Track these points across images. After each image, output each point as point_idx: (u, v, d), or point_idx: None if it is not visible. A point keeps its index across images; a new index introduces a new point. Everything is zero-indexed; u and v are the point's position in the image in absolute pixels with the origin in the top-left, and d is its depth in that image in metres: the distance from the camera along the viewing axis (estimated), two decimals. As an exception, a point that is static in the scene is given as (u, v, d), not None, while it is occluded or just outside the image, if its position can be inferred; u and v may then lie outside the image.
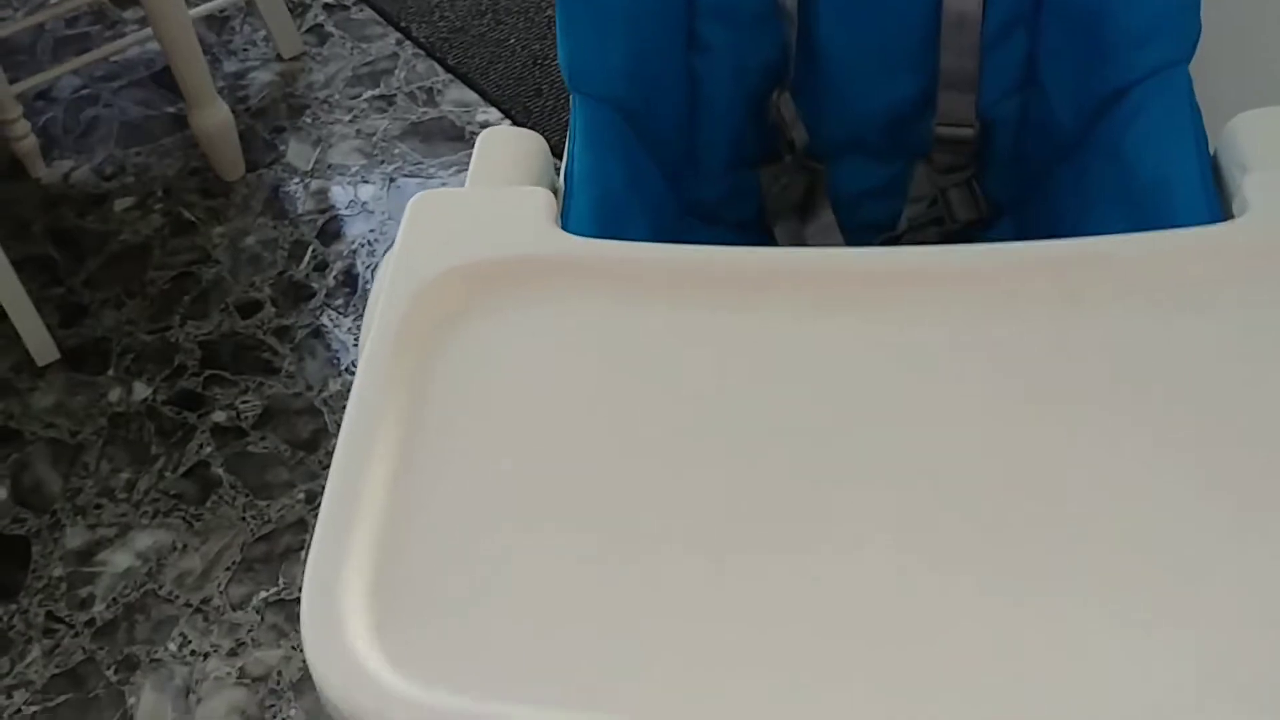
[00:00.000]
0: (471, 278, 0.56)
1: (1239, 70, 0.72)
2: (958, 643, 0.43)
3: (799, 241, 0.79)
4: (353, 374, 0.54)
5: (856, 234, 0.81)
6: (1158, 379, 0.50)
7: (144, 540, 1.32)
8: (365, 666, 0.42)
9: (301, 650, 1.21)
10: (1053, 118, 0.73)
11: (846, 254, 0.57)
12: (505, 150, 0.65)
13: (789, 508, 0.47)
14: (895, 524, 0.46)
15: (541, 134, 0.65)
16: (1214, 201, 0.60)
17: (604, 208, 0.64)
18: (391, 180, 1.69)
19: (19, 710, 1.19)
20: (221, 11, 1.93)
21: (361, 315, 1.53)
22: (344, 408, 0.53)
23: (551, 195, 0.60)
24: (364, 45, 1.89)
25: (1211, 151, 0.64)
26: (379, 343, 0.53)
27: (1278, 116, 0.62)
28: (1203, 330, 0.51)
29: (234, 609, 1.26)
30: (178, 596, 1.27)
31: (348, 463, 0.49)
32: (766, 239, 0.81)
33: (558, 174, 0.67)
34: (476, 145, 0.64)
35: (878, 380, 0.51)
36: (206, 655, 1.23)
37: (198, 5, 1.85)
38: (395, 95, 1.81)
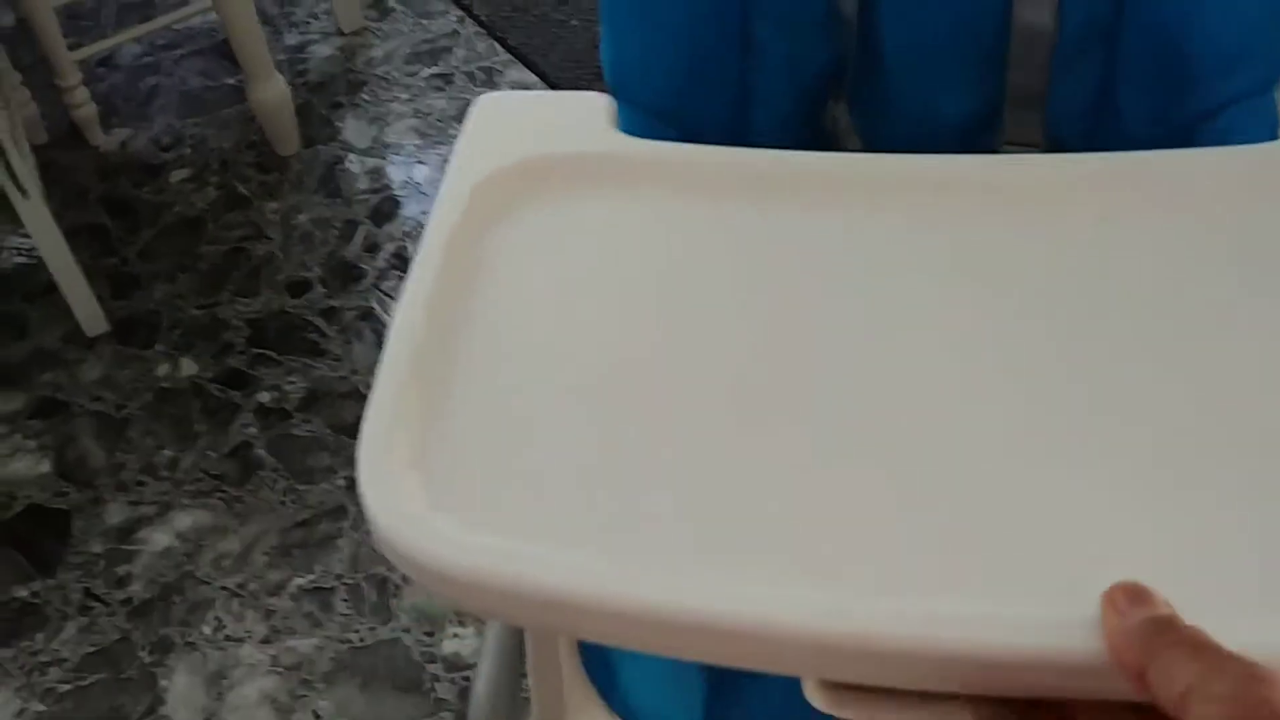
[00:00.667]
0: (529, 173, 0.58)
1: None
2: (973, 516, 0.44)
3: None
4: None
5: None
6: (1191, 291, 0.51)
7: (184, 520, 1.32)
8: (415, 509, 0.44)
9: (335, 639, 1.20)
10: (1126, 141, 0.69)
11: (895, 160, 0.59)
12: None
13: (813, 382, 0.49)
14: (911, 415, 0.48)
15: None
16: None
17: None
18: (446, 162, 1.66)
19: (51, 689, 1.19)
20: (285, -18, 1.92)
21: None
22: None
23: (611, 99, 0.63)
24: (425, 22, 1.87)
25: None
26: (437, 228, 0.55)
27: None
28: (1242, 244, 0.53)
29: (269, 595, 1.25)
30: (214, 579, 1.27)
31: (402, 331, 0.51)
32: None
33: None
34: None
35: (916, 281, 0.53)
36: (241, 641, 1.22)
37: (261, -24, 1.84)
38: (454, 74, 1.78)
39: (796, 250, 0.55)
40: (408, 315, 0.52)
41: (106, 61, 1.85)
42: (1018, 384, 0.48)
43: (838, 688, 0.43)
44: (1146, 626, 0.37)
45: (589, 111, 0.62)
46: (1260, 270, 0.52)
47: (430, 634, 1.21)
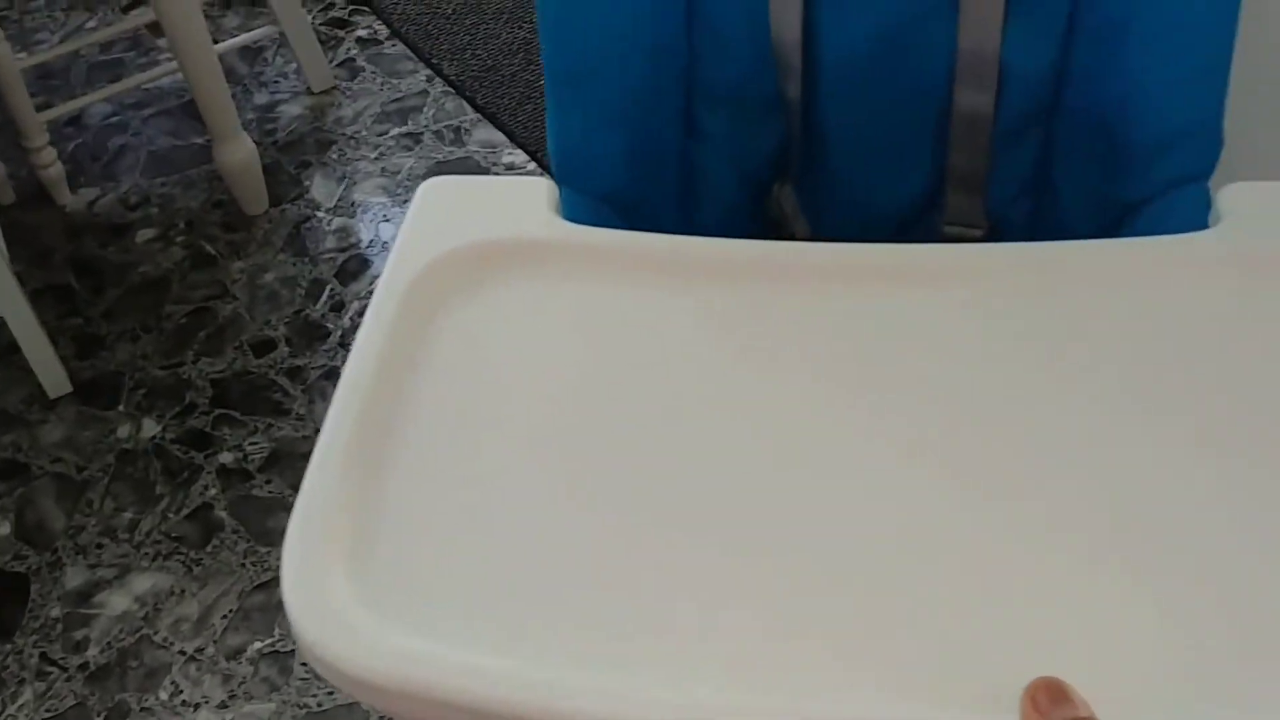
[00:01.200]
0: (470, 259, 0.59)
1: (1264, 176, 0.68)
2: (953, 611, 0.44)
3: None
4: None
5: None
6: (1131, 370, 0.53)
7: (143, 583, 1.31)
8: (343, 616, 0.44)
9: (292, 704, 1.19)
10: (1065, 224, 0.70)
11: (839, 249, 0.60)
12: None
13: (770, 481, 0.49)
14: (879, 500, 0.48)
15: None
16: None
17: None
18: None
19: (4, 757, 1.18)
20: (256, 43, 1.93)
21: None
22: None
23: (553, 184, 0.64)
24: (394, 81, 1.89)
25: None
26: (378, 313, 0.56)
27: (1265, 189, 0.60)
28: (1175, 329, 0.54)
29: (227, 659, 1.24)
30: (172, 643, 1.26)
31: (337, 423, 0.51)
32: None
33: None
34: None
35: (866, 366, 0.54)
36: (197, 706, 1.21)
37: (232, 36, 1.85)
38: (423, 133, 1.80)
39: (732, 337, 0.56)
40: (344, 404, 0.52)
41: (75, 121, 1.85)
42: (941, 478, 0.49)
43: None
44: None
45: (531, 197, 0.62)
46: (1185, 356, 0.53)
47: (389, 700, 1.20)
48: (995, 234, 0.74)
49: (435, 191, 0.63)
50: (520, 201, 0.62)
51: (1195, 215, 0.64)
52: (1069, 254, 0.58)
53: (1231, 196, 0.59)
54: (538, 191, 0.63)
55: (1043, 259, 0.58)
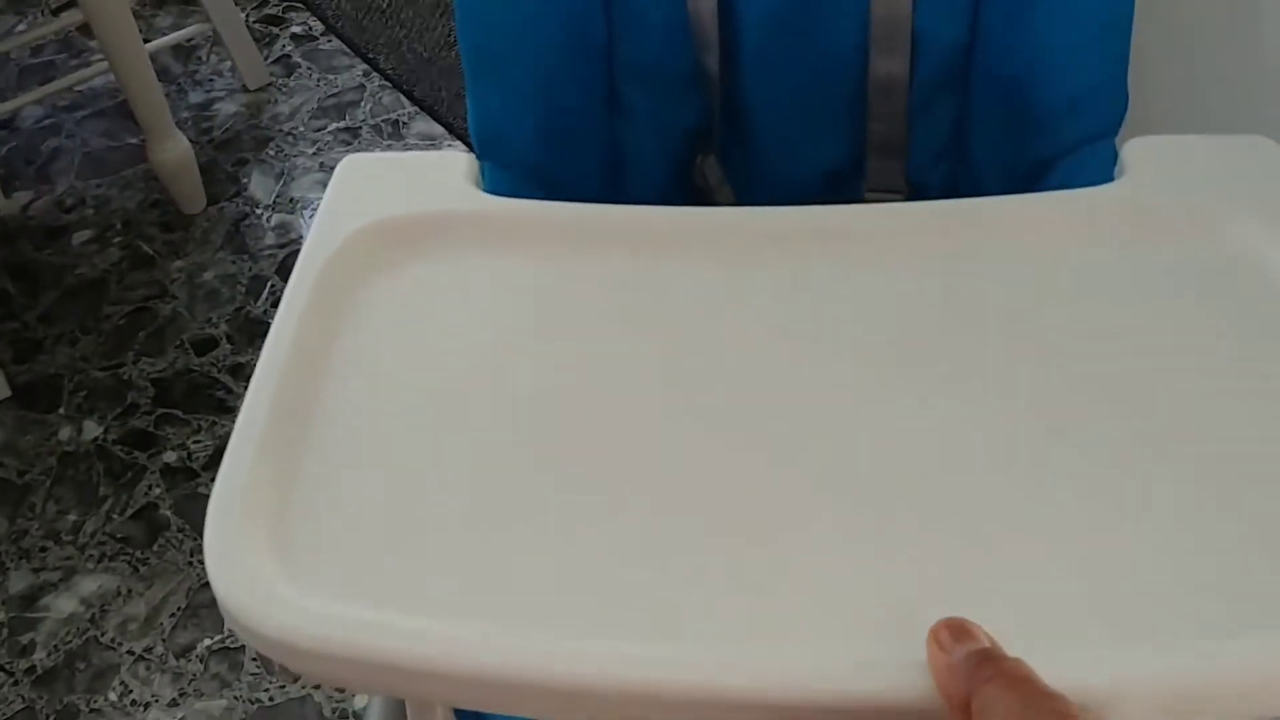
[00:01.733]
0: (389, 233, 0.58)
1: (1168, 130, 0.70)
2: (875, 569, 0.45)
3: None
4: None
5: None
6: (1035, 323, 0.54)
7: (89, 585, 1.30)
8: (260, 576, 0.45)
9: (244, 699, 1.19)
10: (981, 185, 0.72)
11: (756, 212, 0.60)
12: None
13: (695, 438, 0.49)
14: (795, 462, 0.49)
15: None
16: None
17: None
18: (353, 215, 1.67)
19: (-49, 763, 1.16)
20: (189, 41, 1.92)
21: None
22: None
23: (473, 158, 0.64)
24: (331, 76, 1.88)
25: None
26: (296, 291, 0.55)
27: (1166, 143, 0.61)
28: (1079, 276, 0.55)
29: (176, 658, 1.24)
30: (120, 644, 1.25)
31: (256, 397, 0.51)
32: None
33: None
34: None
35: (791, 324, 0.54)
36: (147, 705, 1.20)
37: (164, 35, 1.84)
38: (361, 128, 1.79)
39: (658, 303, 0.56)
40: (264, 376, 0.52)
41: (7, 124, 1.83)
42: (856, 423, 0.50)
43: None
44: (969, 660, 0.38)
45: (450, 171, 0.62)
46: (1091, 305, 0.54)
47: (341, 690, 1.20)
48: (915, 198, 0.74)
49: (353, 168, 0.63)
50: (440, 176, 0.62)
51: (1103, 170, 0.66)
52: (982, 210, 0.60)
53: (1134, 151, 0.60)
54: (457, 165, 0.63)
55: (956, 215, 0.59)
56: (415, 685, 0.45)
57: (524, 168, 0.68)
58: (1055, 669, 0.37)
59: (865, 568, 0.45)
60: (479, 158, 0.66)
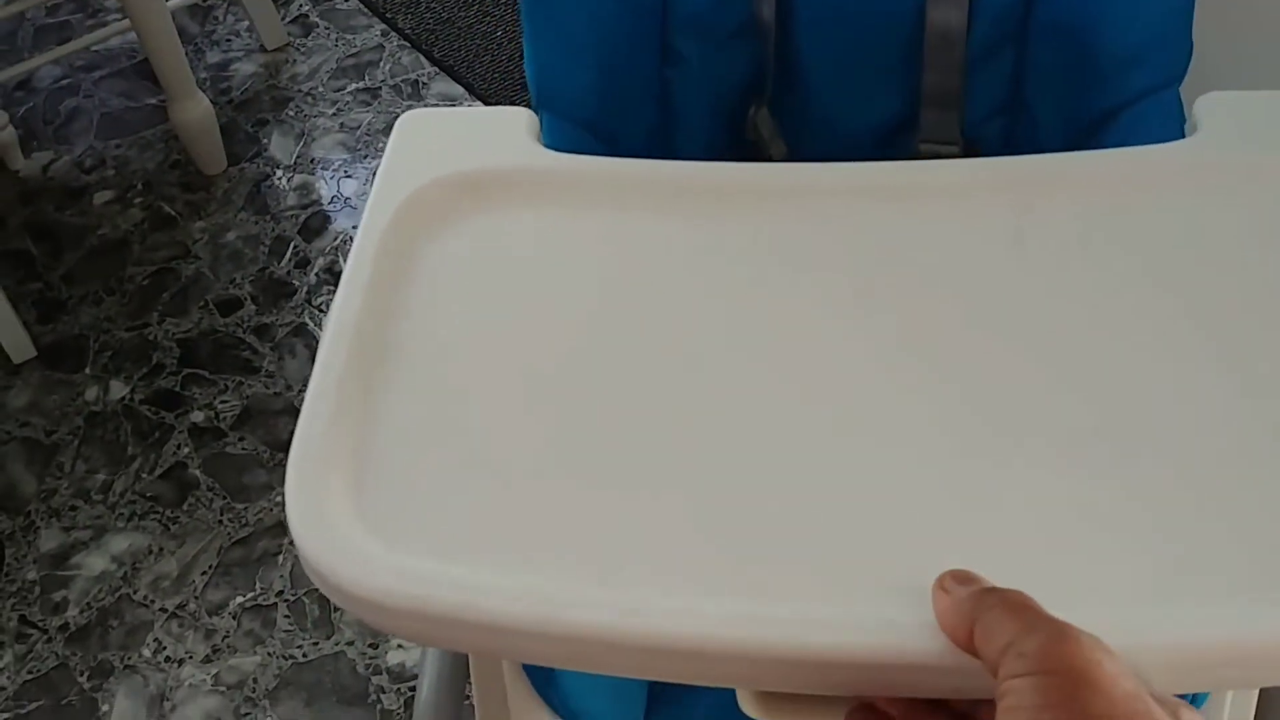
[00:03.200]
0: (455, 188, 0.58)
1: (1234, 81, 0.70)
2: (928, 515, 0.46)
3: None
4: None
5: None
6: (1111, 279, 0.53)
7: (119, 543, 1.31)
8: (344, 533, 0.45)
9: (278, 655, 1.20)
10: (1041, 139, 0.71)
11: (818, 169, 0.60)
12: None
13: (759, 393, 0.50)
14: (870, 405, 0.49)
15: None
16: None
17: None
18: (375, 176, 1.66)
19: (-11, 719, 1.17)
20: (205, 1, 1.91)
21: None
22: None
23: (533, 113, 0.63)
24: (349, 36, 1.87)
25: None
26: (363, 247, 0.55)
27: (1239, 99, 0.61)
28: (1150, 236, 0.55)
29: (210, 614, 1.24)
30: (153, 601, 1.26)
31: (330, 353, 0.51)
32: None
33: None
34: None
35: (850, 281, 0.54)
36: (181, 662, 1.21)
37: (180, -6, 1.83)
38: (380, 88, 1.78)
39: (719, 258, 0.56)
40: (337, 331, 0.52)
41: (24, 85, 1.82)
42: (903, 387, 0.50)
43: (769, 697, 0.44)
44: (972, 596, 0.39)
45: (511, 126, 0.62)
46: (1160, 262, 0.54)
47: (374, 646, 1.21)
48: (970, 151, 0.75)
49: (413, 124, 0.63)
50: (501, 131, 0.62)
51: (1167, 123, 0.66)
52: (1045, 166, 0.59)
53: (1206, 107, 0.60)
54: (518, 120, 0.62)
55: (1019, 172, 0.59)
56: (497, 642, 0.45)
57: (581, 120, 0.67)
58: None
59: (886, 533, 0.45)
60: (537, 109, 0.65)
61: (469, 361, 0.52)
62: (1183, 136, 0.65)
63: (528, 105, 0.65)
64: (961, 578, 0.40)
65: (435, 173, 0.59)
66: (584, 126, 0.68)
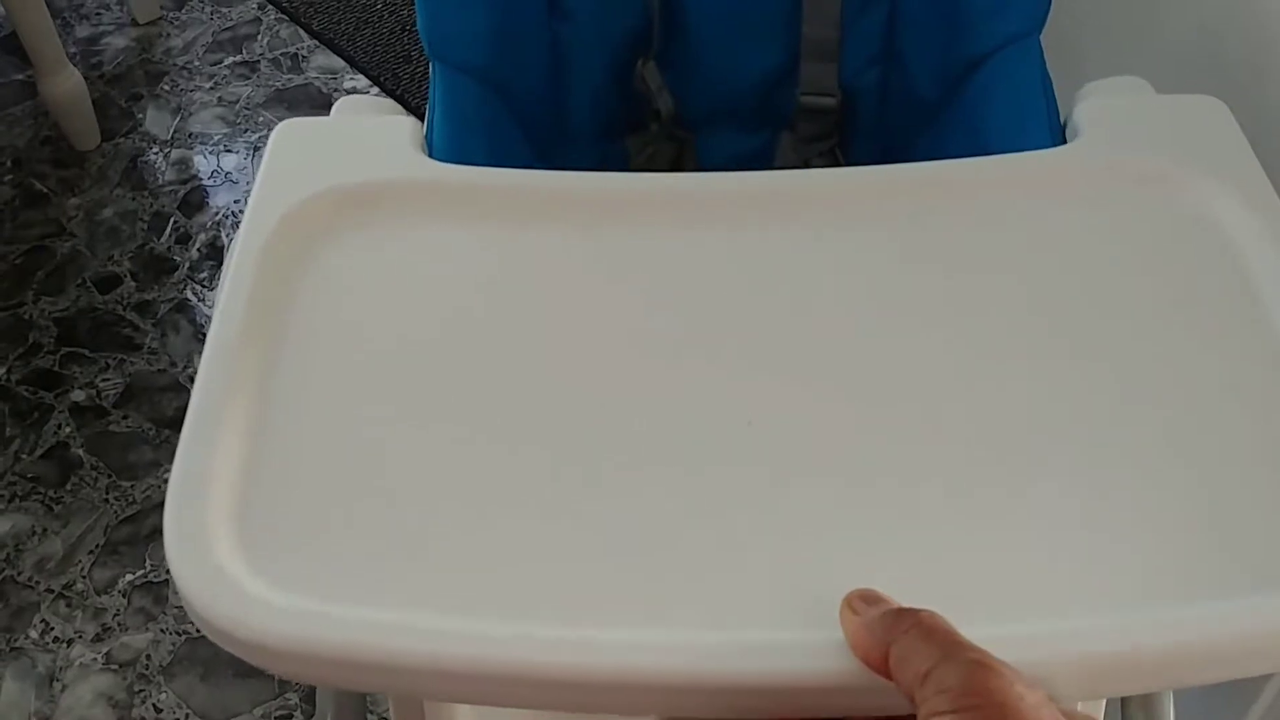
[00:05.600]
0: (336, 202, 0.56)
1: (1097, 38, 0.73)
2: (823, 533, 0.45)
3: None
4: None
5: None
6: (992, 285, 0.53)
7: (1, 525, 1.27)
8: (227, 573, 0.43)
9: (171, 632, 1.18)
10: (913, 88, 0.74)
11: (705, 178, 0.59)
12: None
13: (656, 409, 0.48)
14: (762, 421, 0.48)
15: (411, 100, 0.64)
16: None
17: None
18: (256, 149, 1.64)
19: None
20: (72, -27, 1.86)
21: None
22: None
23: (418, 122, 0.61)
24: (224, 10, 1.84)
25: (1064, 121, 0.65)
26: (241, 263, 0.53)
27: (1125, 85, 0.63)
28: (1031, 241, 0.55)
29: (98, 593, 1.22)
30: (38, 582, 1.23)
31: (209, 380, 0.49)
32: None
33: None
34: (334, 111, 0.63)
35: (738, 290, 0.53)
36: (70, 642, 1.19)
37: (46, -34, 1.77)
38: (259, 61, 1.76)
39: (602, 271, 0.54)
40: (215, 354, 0.49)
41: (-119, 60, 1.76)
42: (793, 404, 0.49)
43: None
44: (884, 617, 0.38)
45: (394, 136, 0.59)
46: (1048, 268, 0.54)
47: (270, 618, 1.20)
48: (848, 101, 0.77)
49: (291, 134, 0.60)
50: (384, 141, 0.59)
51: (1030, 69, 0.69)
52: (939, 173, 0.59)
53: (1086, 112, 0.60)
54: (401, 130, 0.60)
55: (913, 178, 0.58)
56: (390, 681, 0.44)
57: (473, 68, 0.68)
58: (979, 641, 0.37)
59: (793, 555, 0.44)
60: (430, 56, 0.66)
61: (355, 384, 0.50)
62: (1041, 85, 0.68)
63: (410, 78, 0.64)
64: (870, 597, 0.40)
65: (315, 186, 0.56)
66: (476, 77, 0.68)
